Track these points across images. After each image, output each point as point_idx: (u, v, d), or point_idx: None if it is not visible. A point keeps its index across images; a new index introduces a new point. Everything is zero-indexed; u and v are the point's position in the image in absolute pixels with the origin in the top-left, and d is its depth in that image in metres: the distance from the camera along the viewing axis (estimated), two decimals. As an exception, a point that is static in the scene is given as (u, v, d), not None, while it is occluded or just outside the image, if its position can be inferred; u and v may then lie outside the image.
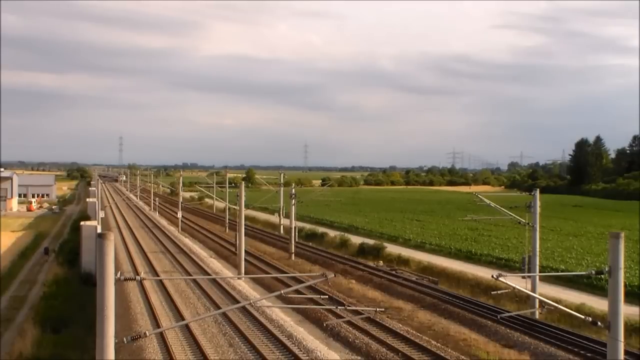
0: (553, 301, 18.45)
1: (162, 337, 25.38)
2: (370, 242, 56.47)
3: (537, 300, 28.20)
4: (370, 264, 47.58)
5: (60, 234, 74.83)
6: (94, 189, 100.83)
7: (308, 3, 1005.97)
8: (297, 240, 54.87)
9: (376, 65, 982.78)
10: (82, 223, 49.85)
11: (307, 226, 71.80)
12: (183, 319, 29.19)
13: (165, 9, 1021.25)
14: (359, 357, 25.07)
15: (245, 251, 45.96)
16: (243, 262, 43.71)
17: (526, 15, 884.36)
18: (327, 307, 27.06)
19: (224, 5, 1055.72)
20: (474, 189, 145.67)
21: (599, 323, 12.05)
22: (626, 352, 18.39)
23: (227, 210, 77.10)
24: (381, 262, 48.98)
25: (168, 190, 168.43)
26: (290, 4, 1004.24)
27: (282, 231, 68.76)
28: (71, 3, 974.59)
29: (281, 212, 71.18)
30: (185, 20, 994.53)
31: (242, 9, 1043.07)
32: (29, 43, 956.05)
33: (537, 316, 29.56)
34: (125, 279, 10.38)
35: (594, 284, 36.64)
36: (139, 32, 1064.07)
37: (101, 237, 9.62)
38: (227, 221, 74.94)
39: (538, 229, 31.58)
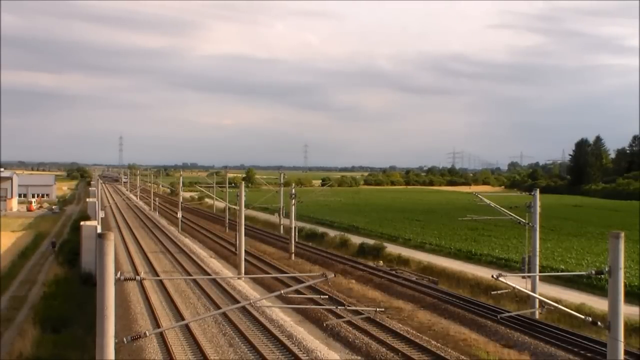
0: (553, 301, 18.46)
1: (162, 337, 25.39)
2: (370, 242, 56.47)
3: (537, 300, 28.19)
4: (370, 264, 47.59)
5: (60, 234, 74.81)
6: (94, 189, 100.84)
7: (305, 3, 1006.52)
8: (297, 240, 54.86)
9: (374, 65, 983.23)
10: (82, 223, 49.82)
11: (307, 226, 71.81)
12: (183, 319, 29.20)
13: (163, 8, 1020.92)
14: (359, 357, 25.08)
15: (245, 251, 45.96)
16: (243, 262, 43.72)
17: (523, 15, 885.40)
18: (327, 307, 27.05)
19: (222, 5, 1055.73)
20: (474, 189, 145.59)
21: (599, 323, 12.05)
22: (626, 352, 18.40)
23: (227, 210, 77.11)
24: (381, 262, 48.99)
25: (168, 190, 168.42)
26: (287, 4, 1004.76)
27: (282, 231, 68.76)
28: (70, 3, 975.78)
29: (281, 212, 71.17)
30: (183, 20, 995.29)
31: (239, 9, 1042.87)
32: (28, 43, 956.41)
33: (537, 316, 29.56)
34: (125, 279, 10.38)
35: (594, 284, 36.63)
36: (138, 32, 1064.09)
37: (101, 237, 9.63)
38: (227, 221, 74.96)
39: (538, 229, 31.58)
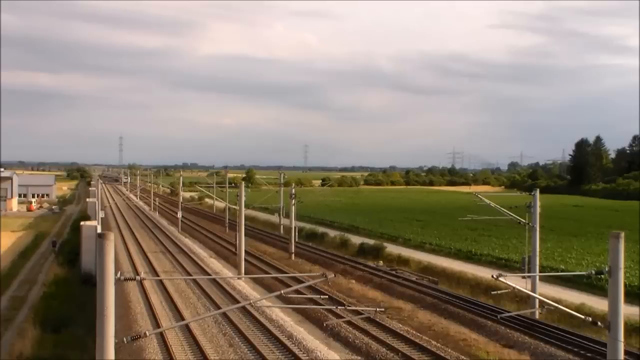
0: (553, 301, 18.45)
1: (162, 337, 25.40)
2: (370, 242, 56.49)
3: (537, 300, 28.20)
4: (370, 264, 47.60)
5: (60, 234, 74.80)
6: (94, 189, 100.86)
7: (305, 3, 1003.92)
8: (297, 240, 54.88)
9: (374, 65, 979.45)
10: (82, 223, 49.83)
11: (307, 226, 71.81)
12: (183, 319, 29.21)
13: (163, 8, 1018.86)
14: (359, 357, 25.08)
15: (245, 251, 45.97)
16: (243, 262, 43.74)
17: (523, 15, 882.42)
18: (327, 307, 27.06)
19: (222, 5, 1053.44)
20: (474, 189, 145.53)
21: (599, 323, 12.05)
22: (626, 352, 18.39)
23: (227, 210, 77.12)
24: (381, 262, 48.99)
25: (168, 191, 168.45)
26: (287, 4, 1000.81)
27: (282, 231, 68.77)
28: (69, 3, 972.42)
29: (281, 212, 71.18)
30: (183, 20, 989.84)
31: (240, 9, 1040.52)
32: (27, 43, 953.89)
33: (537, 316, 29.56)
34: (125, 279, 10.38)
35: (594, 284, 36.64)
36: (138, 32, 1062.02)
37: (101, 237, 9.63)
38: (227, 221, 74.97)
39: (538, 229, 31.59)
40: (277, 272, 44.57)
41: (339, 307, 24.78)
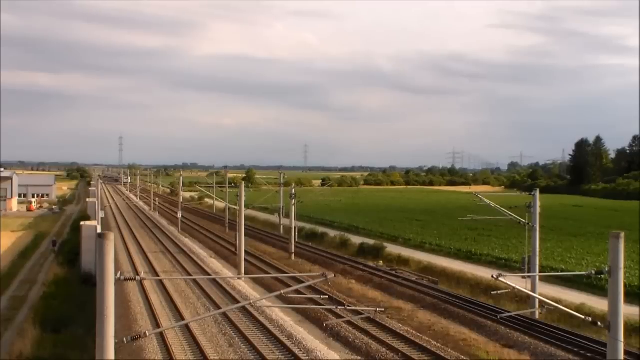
0: (553, 301, 18.44)
1: (162, 337, 25.40)
2: (370, 242, 56.47)
3: (537, 300, 28.19)
4: (370, 264, 47.60)
5: (60, 234, 74.77)
6: (94, 189, 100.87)
7: (305, 3, 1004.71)
8: (297, 240, 54.87)
9: (374, 65, 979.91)
10: (82, 223, 49.81)
11: (307, 226, 71.80)
12: (183, 319, 29.22)
13: (162, 8, 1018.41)
14: (359, 357, 25.09)
15: (245, 251, 45.97)
16: (243, 262, 43.75)
17: (523, 15, 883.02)
18: (327, 307, 27.06)
19: (221, 5, 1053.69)
20: (474, 189, 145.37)
21: (599, 323, 12.04)
22: (626, 352, 18.39)
23: (227, 210, 77.12)
24: (381, 262, 48.99)
25: (168, 191, 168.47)
26: (287, 4, 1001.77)
27: (282, 231, 68.77)
28: (69, 3, 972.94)
29: (281, 212, 71.18)
30: (183, 20, 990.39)
31: (240, 9, 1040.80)
32: (27, 43, 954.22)
33: (537, 316, 29.57)
34: (125, 279, 10.38)
35: (594, 284, 36.65)
36: (137, 32, 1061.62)
37: (101, 237, 9.62)
38: (227, 221, 74.98)
39: (538, 229, 31.58)
40: (277, 272, 44.57)
41: (339, 307, 24.75)
